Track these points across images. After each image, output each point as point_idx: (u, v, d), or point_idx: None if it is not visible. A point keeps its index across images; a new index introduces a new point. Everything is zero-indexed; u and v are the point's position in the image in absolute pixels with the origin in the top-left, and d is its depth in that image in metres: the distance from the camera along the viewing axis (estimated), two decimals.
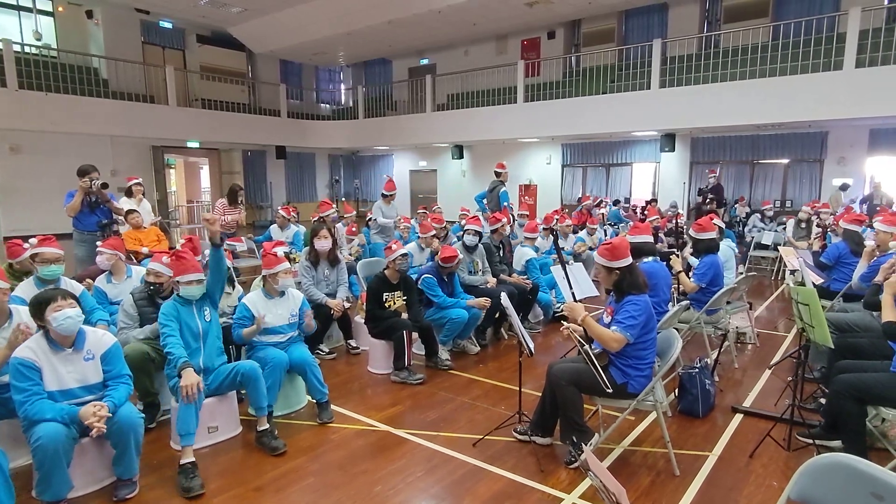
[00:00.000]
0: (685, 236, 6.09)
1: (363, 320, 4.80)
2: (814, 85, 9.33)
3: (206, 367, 3.26)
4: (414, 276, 4.95)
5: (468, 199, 10.84)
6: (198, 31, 15.66)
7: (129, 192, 7.22)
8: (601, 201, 11.88)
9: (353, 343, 5.11)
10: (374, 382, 4.43)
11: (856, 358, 3.30)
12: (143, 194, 7.39)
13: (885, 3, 10.03)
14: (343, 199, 18.44)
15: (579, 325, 2.99)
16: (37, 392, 2.54)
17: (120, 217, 6.05)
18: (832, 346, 3.07)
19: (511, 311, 3.40)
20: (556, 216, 7.58)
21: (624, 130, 12.21)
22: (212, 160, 16.71)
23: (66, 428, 2.51)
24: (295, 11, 13.34)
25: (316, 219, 6.48)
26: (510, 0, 11.96)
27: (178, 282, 3.21)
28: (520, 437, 3.35)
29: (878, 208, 8.15)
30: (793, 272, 5.16)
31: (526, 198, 14.83)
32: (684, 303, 4.21)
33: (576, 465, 2.99)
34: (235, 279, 4.74)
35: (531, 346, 3.34)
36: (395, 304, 4.60)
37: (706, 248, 4.64)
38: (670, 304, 4.25)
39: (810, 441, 3.19)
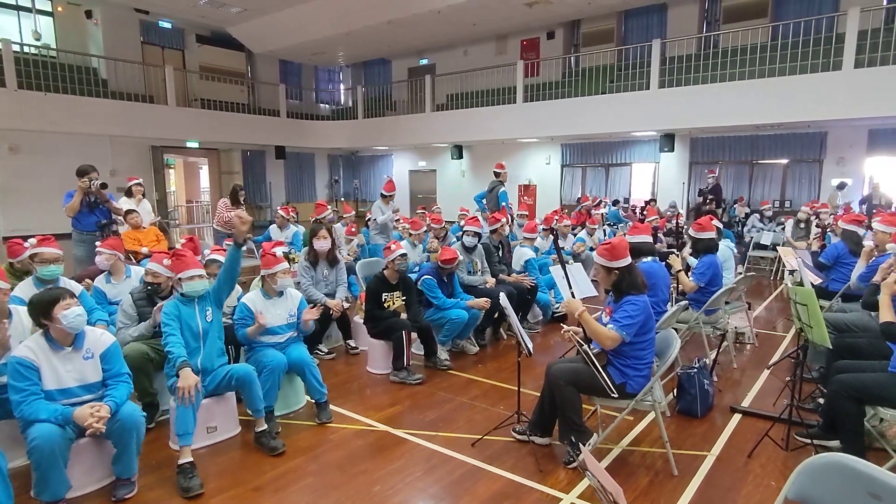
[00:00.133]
0: (685, 236, 6.10)
1: (362, 320, 4.80)
2: (813, 85, 9.33)
3: (205, 368, 3.26)
4: (413, 277, 4.95)
5: (467, 200, 10.85)
6: (197, 31, 15.65)
7: (128, 193, 7.22)
8: (600, 202, 11.89)
9: (352, 343, 5.11)
10: (373, 382, 4.44)
11: (854, 358, 3.31)
12: (143, 195, 7.39)
13: (884, 3, 10.04)
14: (342, 199, 18.44)
15: (576, 319, 3.00)
16: (34, 392, 2.54)
17: (119, 217, 6.05)
18: (830, 347, 3.08)
19: (510, 311, 3.40)
20: (556, 216, 7.59)
21: (623, 130, 12.21)
22: (211, 160, 16.70)
23: (61, 429, 2.51)
24: (294, 11, 13.34)
25: (314, 219, 6.49)
26: (510, 0, 11.96)
27: (180, 279, 3.22)
28: (518, 437, 3.35)
29: (875, 210, 8.15)
30: (791, 272, 5.16)
31: (525, 198, 14.82)
32: (683, 303, 4.21)
33: (574, 465, 2.99)
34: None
35: (530, 346, 3.34)
36: (394, 304, 4.60)
37: (705, 248, 4.64)
38: (669, 304, 4.26)
39: (808, 441, 3.20)
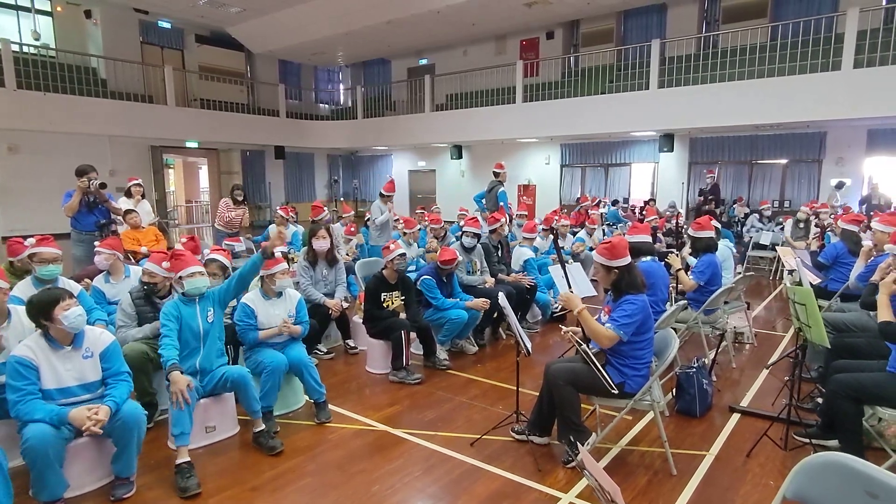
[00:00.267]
0: (684, 236, 6.10)
1: (361, 320, 4.80)
2: (812, 85, 9.34)
3: (204, 368, 3.26)
4: (413, 278, 4.95)
5: (467, 200, 10.85)
6: (196, 31, 15.65)
7: (128, 193, 7.22)
8: (599, 202, 11.88)
9: (351, 343, 5.11)
10: (372, 382, 4.44)
11: (853, 358, 3.31)
12: (143, 195, 7.38)
13: (884, 3, 10.05)
14: (342, 199, 18.44)
15: (575, 317, 3.00)
16: (31, 392, 2.54)
17: (118, 217, 6.04)
18: (829, 346, 3.08)
19: (508, 311, 3.41)
20: (556, 216, 7.59)
21: (623, 131, 12.21)
22: (210, 160, 16.70)
23: (55, 429, 2.51)
24: (294, 11, 13.33)
25: (312, 221, 6.50)
26: (509, 0, 11.96)
27: (180, 278, 3.21)
28: (517, 436, 3.35)
29: (873, 211, 8.15)
30: (790, 272, 5.17)
31: (524, 198, 14.82)
32: (682, 302, 4.21)
33: (573, 464, 2.99)
34: None
35: (528, 346, 3.34)
36: (393, 303, 4.60)
37: (704, 247, 4.64)
38: (668, 303, 4.26)
39: (807, 440, 3.20)
